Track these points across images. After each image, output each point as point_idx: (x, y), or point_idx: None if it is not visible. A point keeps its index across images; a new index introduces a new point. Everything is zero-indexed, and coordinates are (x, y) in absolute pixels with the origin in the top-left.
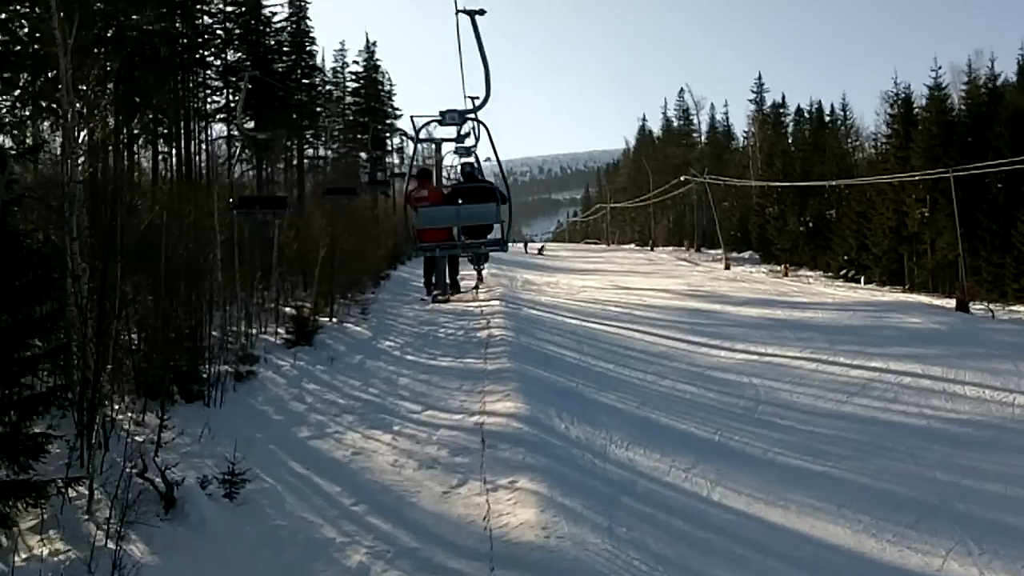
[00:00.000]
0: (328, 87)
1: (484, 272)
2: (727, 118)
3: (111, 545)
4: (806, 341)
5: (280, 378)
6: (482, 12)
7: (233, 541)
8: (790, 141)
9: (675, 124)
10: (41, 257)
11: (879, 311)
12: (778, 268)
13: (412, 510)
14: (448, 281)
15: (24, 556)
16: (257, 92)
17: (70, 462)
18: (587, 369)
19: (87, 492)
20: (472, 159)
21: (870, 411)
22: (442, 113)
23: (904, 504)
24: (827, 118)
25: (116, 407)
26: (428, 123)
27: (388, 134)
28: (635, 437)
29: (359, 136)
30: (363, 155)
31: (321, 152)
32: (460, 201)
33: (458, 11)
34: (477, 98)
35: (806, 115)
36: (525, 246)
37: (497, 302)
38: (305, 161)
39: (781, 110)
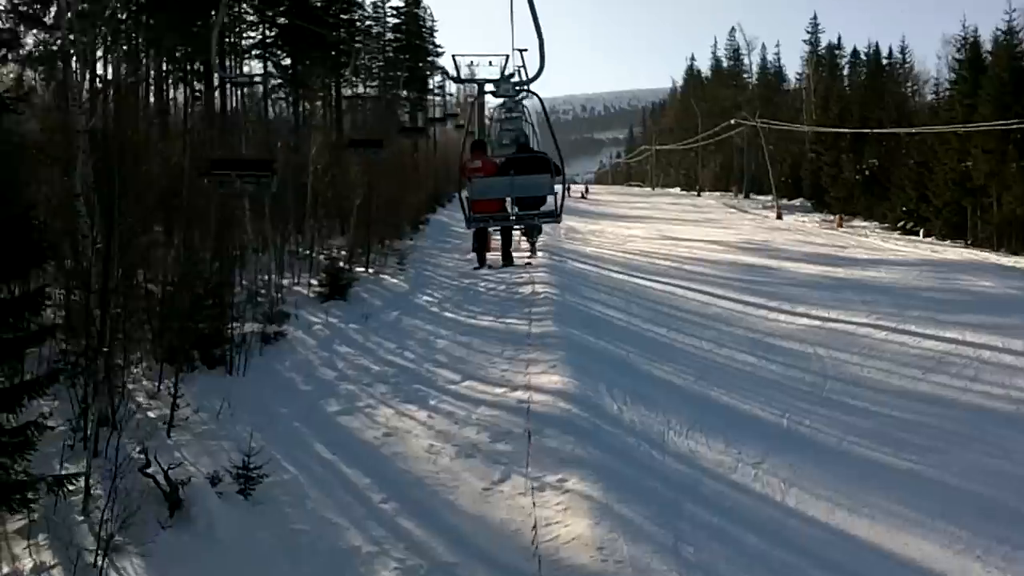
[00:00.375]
0: (368, 23)
1: (537, 244)
2: (779, 60)
3: (100, 561)
4: (871, 305)
5: (310, 339)
6: None
7: (245, 550)
8: (846, 85)
9: (725, 65)
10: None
11: (947, 271)
12: (831, 218)
13: (449, 511)
14: (502, 253)
15: (6, 570)
16: (292, 28)
17: (63, 457)
18: (638, 334)
19: (84, 487)
20: (523, 127)
21: (949, 391)
22: (495, 83)
23: (1005, 515)
24: (884, 62)
25: (130, 375)
26: (482, 92)
27: (429, 72)
28: (695, 420)
29: (399, 73)
30: (404, 93)
31: (360, 90)
32: (513, 172)
33: None
34: (526, 50)
35: (863, 58)
36: (567, 189)
37: (540, 254)
38: (343, 100)
39: (837, 52)
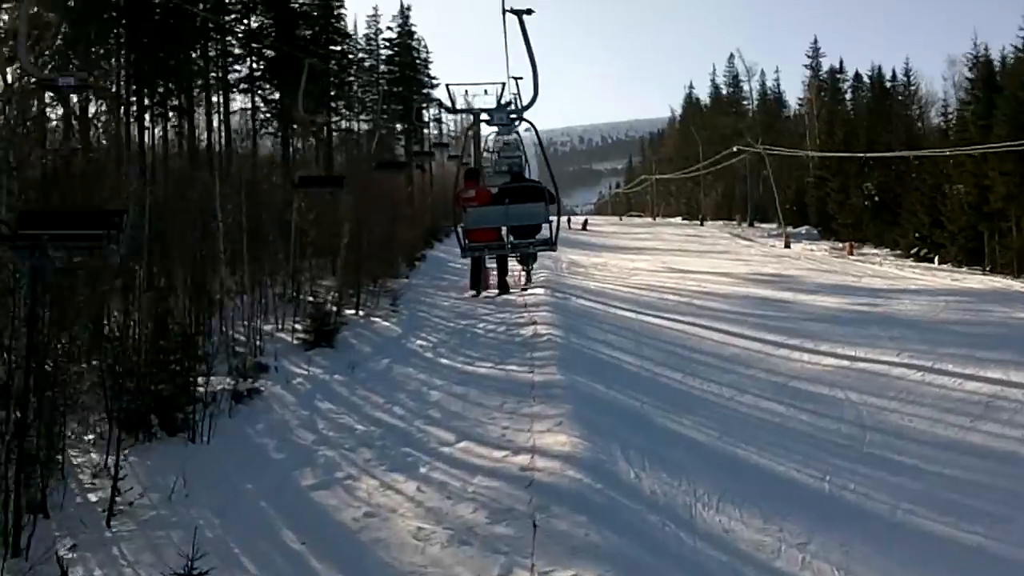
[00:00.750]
0: (360, 55)
1: (532, 273)
2: (778, 85)
3: None
4: (900, 342)
5: (289, 395)
6: (530, 12)
7: None
8: (850, 109)
9: (724, 91)
10: None
11: (975, 302)
12: (840, 246)
13: None
14: (497, 281)
15: None
16: (280, 60)
17: None
18: (651, 381)
19: None
20: (519, 156)
21: (1004, 442)
22: (489, 112)
23: None
24: (888, 84)
25: (76, 447)
26: (477, 121)
27: (425, 104)
28: (725, 488)
29: (395, 107)
30: (399, 126)
31: (356, 125)
32: (507, 201)
33: (506, 11)
34: (521, 78)
35: (865, 81)
36: (568, 221)
37: (541, 290)
38: (335, 134)
39: (839, 76)
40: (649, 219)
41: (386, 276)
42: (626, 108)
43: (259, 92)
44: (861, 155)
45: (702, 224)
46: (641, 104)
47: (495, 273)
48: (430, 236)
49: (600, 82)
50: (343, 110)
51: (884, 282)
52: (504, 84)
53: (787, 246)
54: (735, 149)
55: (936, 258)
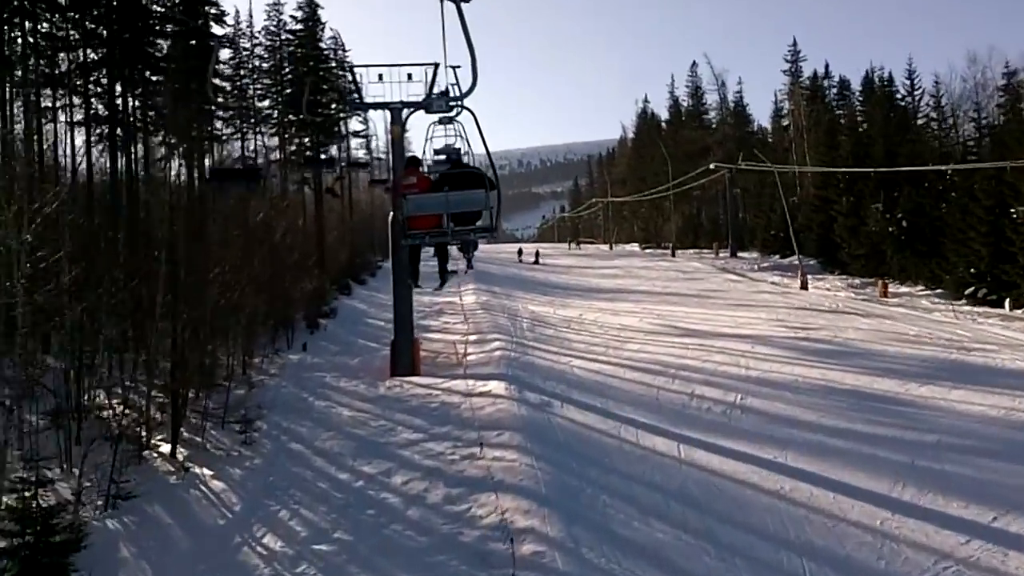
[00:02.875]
0: (258, 50)
1: (472, 260)
2: (741, 98)
3: None
4: None
5: None
6: (467, 0)
7: None
8: (860, 118)
9: (686, 104)
10: None
11: None
12: (857, 282)
13: None
14: (438, 270)
15: None
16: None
17: None
18: None
19: None
20: (455, 143)
21: None
22: (425, 103)
23: None
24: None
25: None
26: (413, 111)
27: (340, 111)
28: None
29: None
30: (307, 140)
31: (256, 141)
32: (447, 188)
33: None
34: (459, 66)
35: (858, 86)
36: (519, 254)
37: (498, 383)
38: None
39: (827, 82)
40: (603, 246)
41: (249, 356)
42: (565, 131)
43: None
44: (886, 170)
45: (673, 254)
46: (580, 126)
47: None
48: (348, 276)
49: (537, 105)
50: (234, 121)
51: (1012, 353)
52: (436, 65)
53: (804, 287)
54: (712, 167)
55: (1008, 301)
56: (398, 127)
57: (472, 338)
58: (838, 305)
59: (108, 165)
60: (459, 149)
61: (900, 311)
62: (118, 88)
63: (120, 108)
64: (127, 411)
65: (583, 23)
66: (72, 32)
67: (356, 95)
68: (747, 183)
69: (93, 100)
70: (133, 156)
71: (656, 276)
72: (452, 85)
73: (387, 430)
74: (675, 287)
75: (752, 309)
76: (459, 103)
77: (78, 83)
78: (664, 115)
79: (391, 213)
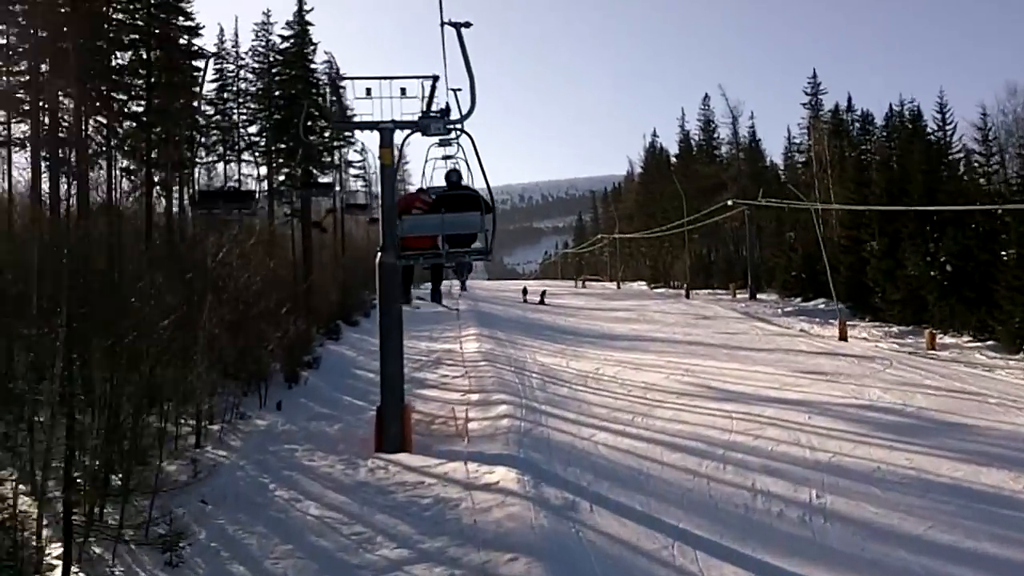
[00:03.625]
0: (244, 72)
1: (467, 283)
2: (754, 132)
3: None
4: None
5: None
6: (468, 25)
7: None
8: (894, 153)
9: (696, 138)
10: None
11: None
12: (896, 331)
13: None
14: (432, 291)
15: None
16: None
17: None
18: None
19: None
20: (455, 165)
21: None
22: (425, 120)
23: None
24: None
25: None
26: (411, 133)
27: (333, 140)
28: None
29: (289, 143)
30: (298, 170)
31: (239, 168)
32: (444, 210)
33: (443, 23)
34: (459, 89)
35: (880, 120)
36: (523, 293)
37: (507, 470)
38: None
39: (850, 115)
40: (610, 285)
41: (210, 424)
42: (567, 166)
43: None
44: (930, 208)
45: (687, 296)
46: (583, 161)
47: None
48: (338, 317)
49: (540, 139)
50: (216, 147)
51: None
52: (435, 78)
53: (844, 337)
54: (730, 203)
55: None
56: (389, 150)
57: (474, 398)
58: (883, 358)
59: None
60: (459, 172)
61: (963, 369)
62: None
63: (73, 127)
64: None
65: (586, 56)
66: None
67: (338, 110)
68: (763, 221)
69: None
70: (85, 184)
71: (674, 321)
72: (449, 107)
73: (363, 541)
74: (698, 334)
75: (792, 365)
76: (458, 126)
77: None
78: (674, 149)
79: (378, 255)
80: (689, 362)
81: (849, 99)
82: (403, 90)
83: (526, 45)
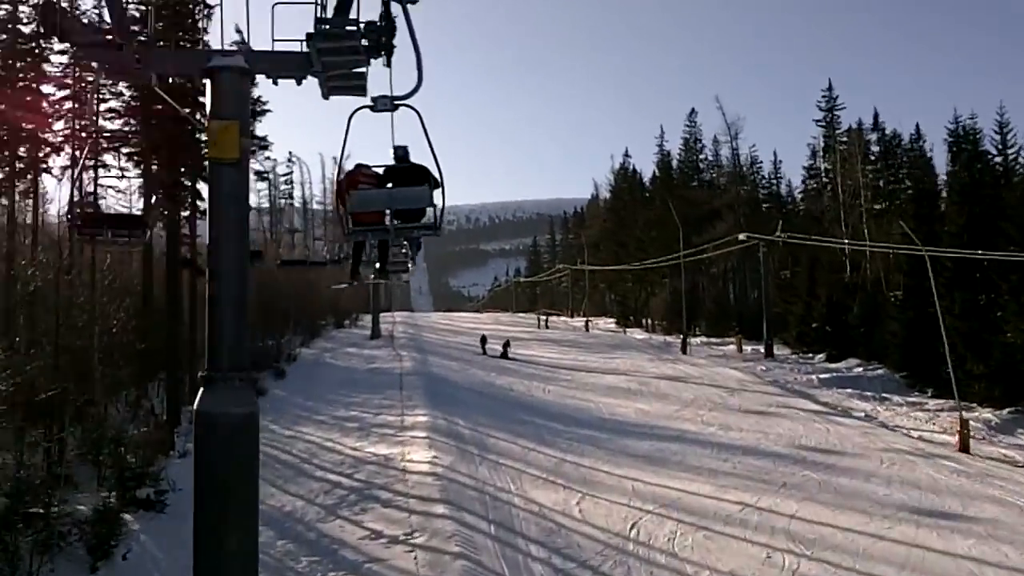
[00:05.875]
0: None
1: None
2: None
3: None
4: None
5: None
6: (414, 1)
7: None
8: (960, 184)
9: (676, 160)
10: None
11: None
12: (968, 413)
13: None
14: (380, 265)
15: None
16: None
17: None
18: None
19: None
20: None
21: None
22: (374, 99)
23: None
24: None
25: None
26: (359, 109)
27: None
28: None
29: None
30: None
31: None
32: (391, 184)
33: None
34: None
35: (909, 142)
36: (482, 343)
37: None
38: None
39: (876, 135)
40: (573, 322)
41: None
42: (514, 188)
43: None
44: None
45: (684, 349)
46: (531, 184)
47: None
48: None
49: (487, 161)
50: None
51: None
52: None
53: (965, 447)
54: (741, 236)
55: None
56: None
57: None
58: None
59: None
60: (406, 148)
61: None
62: None
63: None
64: None
65: (537, 69)
66: None
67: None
68: (768, 258)
69: None
70: None
71: (692, 399)
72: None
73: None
74: (747, 434)
75: (937, 520)
76: (404, 102)
77: None
78: (649, 172)
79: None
80: (783, 511)
81: (876, 116)
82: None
83: (471, 56)
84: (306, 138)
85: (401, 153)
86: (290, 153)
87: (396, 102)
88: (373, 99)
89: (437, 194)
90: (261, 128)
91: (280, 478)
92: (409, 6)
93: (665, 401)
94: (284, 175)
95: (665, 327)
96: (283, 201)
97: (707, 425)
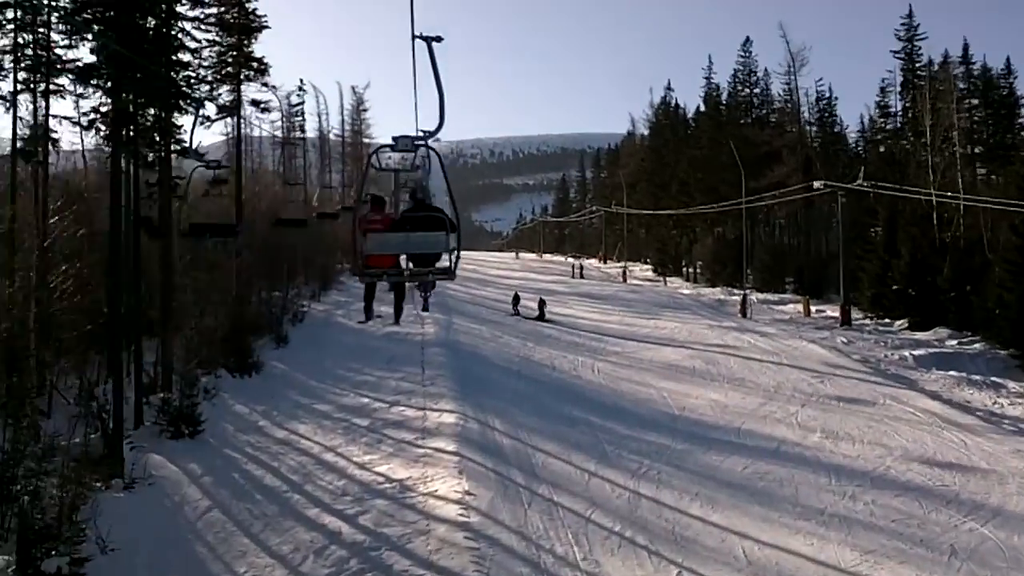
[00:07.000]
0: None
1: (431, 300)
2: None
3: None
4: None
5: None
6: (439, 39)
7: None
8: None
9: (726, 93)
10: None
11: None
12: None
13: None
14: (394, 308)
15: None
16: None
17: None
18: None
19: None
20: (423, 183)
21: None
22: (394, 139)
23: None
24: None
25: None
26: (379, 148)
27: None
28: None
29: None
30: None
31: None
32: (409, 228)
33: (415, 37)
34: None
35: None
36: (514, 303)
37: None
38: None
39: (966, 70)
40: (607, 268)
41: None
42: (538, 121)
43: None
44: None
45: (744, 312)
46: (556, 117)
47: None
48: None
49: (513, 94)
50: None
51: None
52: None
53: None
54: (818, 184)
55: None
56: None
57: None
58: None
59: None
60: (426, 186)
61: None
62: None
63: None
64: None
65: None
66: None
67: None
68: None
69: None
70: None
71: (774, 383)
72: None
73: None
74: (864, 450)
75: None
76: (423, 143)
77: None
78: (691, 109)
79: None
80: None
81: (965, 47)
82: None
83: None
84: (320, 68)
85: (420, 196)
86: (301, 80)
87: (417, 143)
88: (394, 138)
89: (453, 238)
90: (259, 48)
91: (258, 519)
92: (434, 44)
93: (742, 389)
94: (296, 105)
95: (709, 278)
96: (297, 134)
97: (807, 431)
